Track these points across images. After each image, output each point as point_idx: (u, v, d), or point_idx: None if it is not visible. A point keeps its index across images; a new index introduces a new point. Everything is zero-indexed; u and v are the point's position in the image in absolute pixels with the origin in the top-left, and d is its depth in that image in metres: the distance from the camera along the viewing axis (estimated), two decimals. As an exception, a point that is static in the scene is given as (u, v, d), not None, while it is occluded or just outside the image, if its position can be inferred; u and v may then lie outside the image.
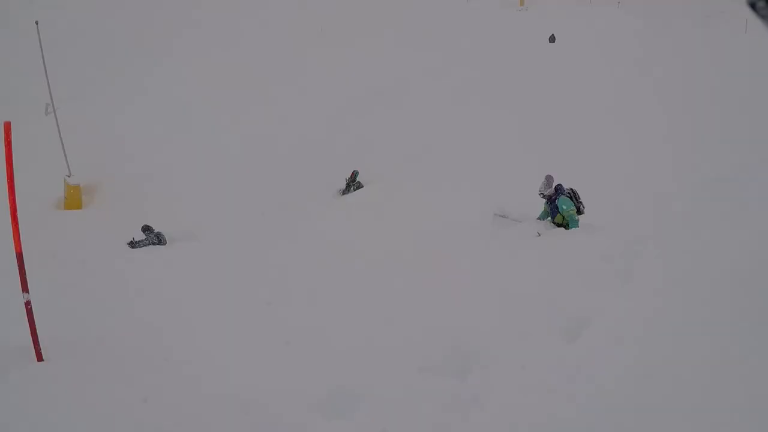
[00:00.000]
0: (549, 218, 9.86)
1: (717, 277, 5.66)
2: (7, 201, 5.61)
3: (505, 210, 10.44)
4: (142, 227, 12.60)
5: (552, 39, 27.22)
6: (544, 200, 9.82)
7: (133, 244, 12.34)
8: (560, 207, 9.52)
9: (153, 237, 12.45)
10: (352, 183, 15.28)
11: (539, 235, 9.70)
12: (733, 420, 3.70)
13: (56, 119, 15.24)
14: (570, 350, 5.41)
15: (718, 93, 15.99)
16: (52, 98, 15.57)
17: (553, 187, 9.71)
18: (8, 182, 5.68)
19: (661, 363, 4.53)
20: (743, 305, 4.92)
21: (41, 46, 15.02)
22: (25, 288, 5.70)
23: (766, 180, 9.74)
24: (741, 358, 4.24)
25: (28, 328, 5.66)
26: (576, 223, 9.46)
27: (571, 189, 9.82)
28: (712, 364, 4.28)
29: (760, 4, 1.38)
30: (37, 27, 15.12)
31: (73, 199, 15.35)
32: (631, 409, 4.13)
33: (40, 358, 5.79)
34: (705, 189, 10.49)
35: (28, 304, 5.72)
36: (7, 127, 5.71)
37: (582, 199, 9.79)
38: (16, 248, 5.67)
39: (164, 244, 12.48)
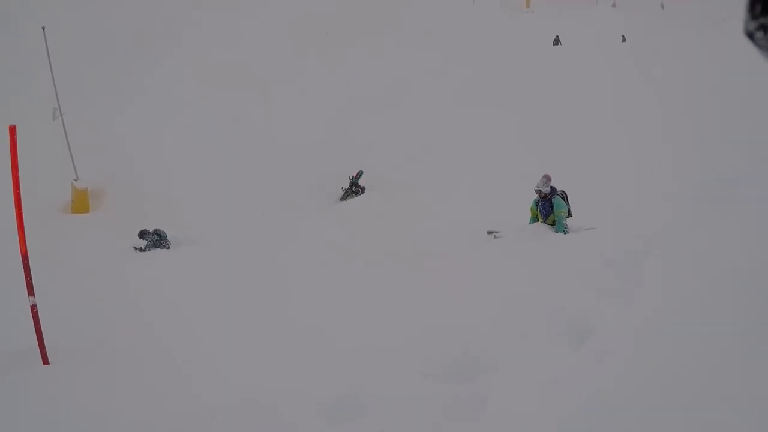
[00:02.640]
0: (541, 221, 9.91)
1: (717, 277, 5.67)
2: (14, 205, 5.67)
3: (494, 226, 10.45)
4: (139, 233, 12.56)
5: (556, 41, 27.36)
6: (538, 198, 9.86)
7: (142, 249, 12.40)
8: (555, 207, 9.58)
9: (154, 237, 12.44)
10: (355, 185, 15.26)
11: (495, 237, 9.84)
12: (733, 420, 3.73)
13: (63, 123, 15.23)
14: (571, 351, 5.44)
15: (718, 93, 15.97)
16: (59, 103, 15.56)
17: (549, 186, 9.79)
18: (14, 186, 5.72)
19: (661, 363, 4.55)
20: (743, 305, 4.93)
21: (48, 52, 14.95)
22: (30, 292, 5.75)
23: (766, 180, 9.75)
24: (741, 358, 4.26)
25: (34, 332, 5.71)
26: (562, 227, 9.51)
27: (563, 191, 9.91)
28: (713, 364, 4.30)
29: (758, 35, 1.36)
30: (44, 33, 15.03)
31: (80, 203, 15.37)
32: (632, 410, 4.15)
33: (45, 361, 5.84)
34: (705, 189, 10.47)
35: (33, 307, 5.78)
36: (12, 130, 5.76)
37: (570, 203, 9.87)
38: (21, 252, 5.72)
39: (164, 238, 12.46)
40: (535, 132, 15.92)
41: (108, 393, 5.47)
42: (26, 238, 5.70)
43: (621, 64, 19.85)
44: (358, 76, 22.47)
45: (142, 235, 12.51)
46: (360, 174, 15.32)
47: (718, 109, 15.20)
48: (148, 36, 27.23)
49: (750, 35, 1.37)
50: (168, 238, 12.57)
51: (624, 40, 27.17)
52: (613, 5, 35.34)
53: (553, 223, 9.70)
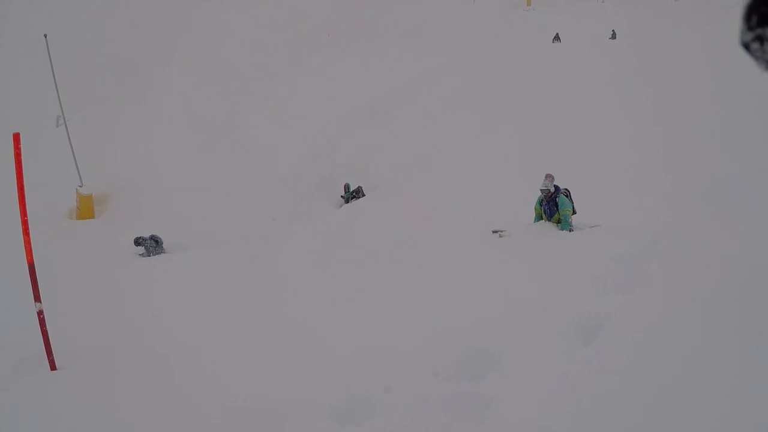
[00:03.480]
0: (545, 220, 9.86)
1: (717, 278, 5.68)
2: (19, 212, 5.70)
3: (499, 226, 10.42)
4: (134, 241, 12.59)
5: (556, 39, 27.41)
6: (542, 198, 9.81)
7: (142, 255, 12.45)
8: (560, 205, 9.53)
9: (151, 244, 12.48)
10: (352, 195, 15.27)
11: (501, 236, 9.81)
12: (733, 420, 3.71)
13: (67, 130, 15.36)
14: (579, 350, 5.40)
15: (718, 92, 15.88)
16: (62, 110, 15.70)
17: (553, 185, 9.76)
18: (19, 194, 5.74)
19: (664, 362, 4.55)
20: (743, 306, 4.94)
21: (50, 59, 15.11)
22: (37, 298, 5.78)
23: (765, 181, 9.70)
24: (741, 359, 4.27)
25: (41, 338, 5.73)
26: (568, 225, 9.46)
27: (566, 189, 9.87)
28: (713, 365, 4.30)
29: (754, 46, 1.35)
30: (46, 40, 15.22)
31: (85, 209, 15.49)
32: (636, 408, 4.14)
33: (53, 367, 5.87)
34: (704, 190, 10.45)
35: (40, 313, 5.81)
36: (17, 138, 5.77)
37: (573, 201, 9.83)
38: (27, 259, 5.75)
39: (161, 245, 12.50)
40: (536, 131, 15.92)
41: (115, 399, 5.46)
42: (33, 245, 5.74)
43: (620, 62, 19.77)
44: (360, 80, 22.56)
45: (138, 242, 12.56)
46: (348, 187, 15.31)
47: (718, 108, 15.13)
48: (149, 42, 27.44)
49: (746, 46, 1.37)
50: (164, 245, 12.59)
51: (614, 36, 27.13)
52: (603, 0, 35.45)
53: (558, 222, 9.65)
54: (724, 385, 3.98)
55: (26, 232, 5.73)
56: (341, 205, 15.33)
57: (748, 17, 1.35)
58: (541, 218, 9.96)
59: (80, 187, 15.53)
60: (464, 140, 16.57)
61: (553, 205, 9.69)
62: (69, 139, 15.22)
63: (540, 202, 9.95)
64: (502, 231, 10.13)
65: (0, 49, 25.56)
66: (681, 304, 5.36)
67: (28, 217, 5.76)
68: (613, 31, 27.67)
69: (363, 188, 15.37)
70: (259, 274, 10.16)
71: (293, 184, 16.23)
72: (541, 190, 9.78)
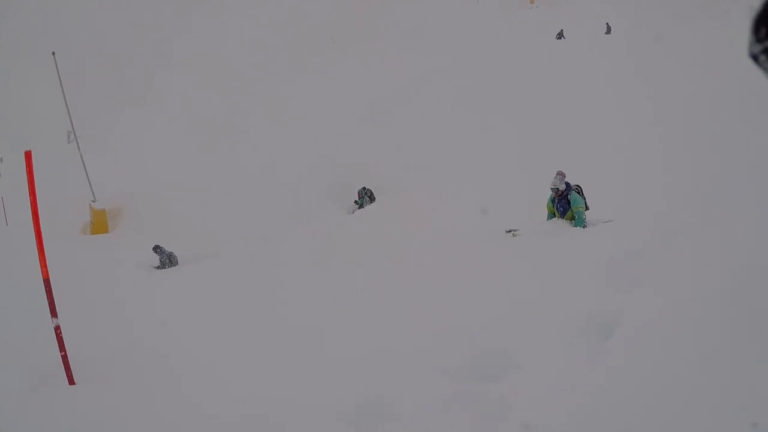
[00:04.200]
0: (558, 217, 9.85)
1: (717, 278, 5.71)
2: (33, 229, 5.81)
3: (512, 226, 10.43)
4: (153, 248, 12.74)
5: (560, 36, 27.35)
6: (553, 196, 9.81)
7: (158, 267, 12.60)
8: (572, 202, 9.50)
9: (164, 257, 12.62)
10: (366, 196, 15.27)
11: (514, 235, 9.82)
12: (733, 420, 3.78)
13: (78, 146, 15.41)
14: (592, 348, 5.41)
15: (717, 94, 15.84)
16: (73, 126, 15.71)
17: (564, 183, 9.74)
18: (32, 209, 5.85)
19: (664, 362, 4.60)
20: (743, 306, 4.98)
21: (59, 76, 15.09)
22: (53, 313, 5.88)
23: (765, 181, 9.72)
24: (741, 359, 4.31)
25: (59, 353, 5.83)
26: (582, 222, 9.43)
27: (578, 185, 9.85)
28: (712, 364, 4.34)
29: (762, 58, 1.36)
30: (54, 57, 15.19)
31: (99, 224, 15.56)
32: (640, 409, 4.21)
33: (71, 381, 5.97)
34: (704, 190, 10.47)
35: (57, 329, 5.90)
36: (28, 155, 5.88)
37: (586, 197, 9.82)
38: (43, 274, 5.86)
39: (175, 263, 12.67)
40: (536, 131, 15.91)
41: (131, 414, 5.52)
42: (49, 261, 5.85)
43: (620, 61, 19.71)
44: (361, 80, 22.46)
45: (156, 249, 12.70)
46: (361, 193, 15.34)
47: (718, 108, 15.09)
48: (149, 42, 27.40)
49: (755, 58, 1.38)
50: (178, 262, 12.76)
51: (608, 31, 27.01)
52: None
53: (571, 219, 9.57)
54: (724, 385, 4.03)
55: (41, 247, 5.84)
56: (354, 211, 15.32)
57: (757, 29, 1.35)
58: (554, 215, 9.89)
59: (93, 202, 15.59)
60: (464, 140, 16.57)
61: (565, 203, 9.59)
62: (81, 156, 15.27)
63: (552, 200, 9.89)
64: (515, 230, 10.12)
65: (0, 49, 25.59)
66: (681, 304, 5.37)
67: (43, 233, 5.87)
68: (607, 24, 27.50)
69: (368, 188, 15.38)
70: (259, 275, 10.21)
71: (294, 184, 16.24)
72: (550, 188, 9.70)
